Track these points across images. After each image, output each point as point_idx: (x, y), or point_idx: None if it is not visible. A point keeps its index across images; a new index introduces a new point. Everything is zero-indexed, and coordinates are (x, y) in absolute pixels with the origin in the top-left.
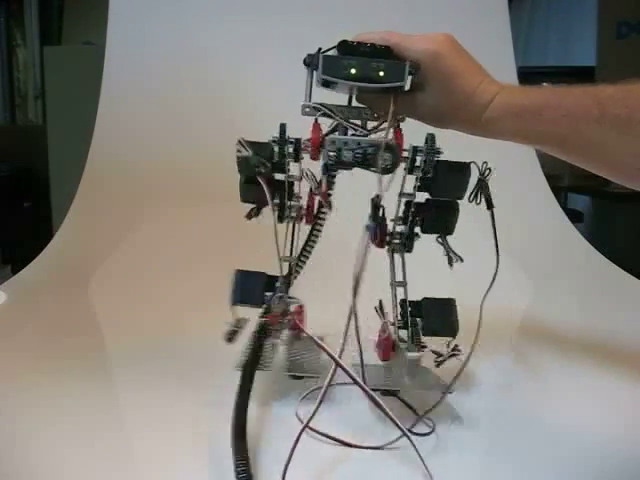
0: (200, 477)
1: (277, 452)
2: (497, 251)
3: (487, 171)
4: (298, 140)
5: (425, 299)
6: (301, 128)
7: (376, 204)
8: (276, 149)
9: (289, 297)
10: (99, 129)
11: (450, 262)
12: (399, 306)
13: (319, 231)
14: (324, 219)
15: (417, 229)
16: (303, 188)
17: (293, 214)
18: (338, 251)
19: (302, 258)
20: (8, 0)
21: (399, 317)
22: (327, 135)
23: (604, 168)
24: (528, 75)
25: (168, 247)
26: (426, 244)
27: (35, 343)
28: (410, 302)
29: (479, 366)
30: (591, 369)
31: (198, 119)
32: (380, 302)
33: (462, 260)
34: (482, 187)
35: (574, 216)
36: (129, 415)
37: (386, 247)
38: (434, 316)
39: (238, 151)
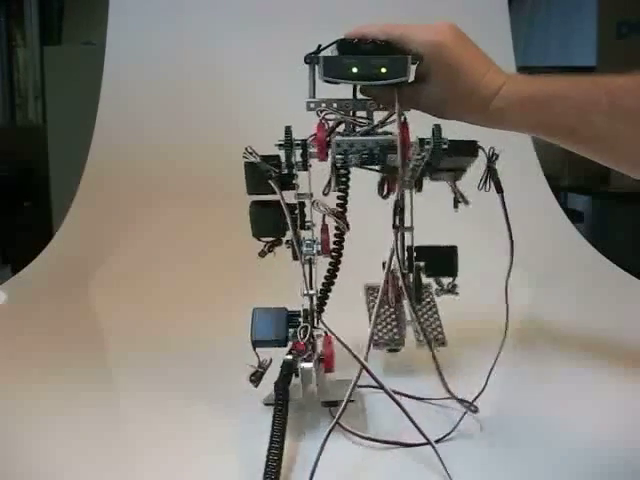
0: (201, 477)
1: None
2: (510, 235)
3: (494, 156)
4: (304, 141)
5: (427, 246)
6: (305, 128)
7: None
8: (282, 156)
9: (314, 327)
10: (99, 129)
11: (456, 204)
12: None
13: (339, 262)
14: (342, 248)
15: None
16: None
17: (308, 249)
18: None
19: (327, 292)
20: (8, 0)
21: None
22: (332, 131)
23: (613, 159)
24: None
25: (168, 247)
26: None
27: (35, 343)
28: (415, 247)
29: (479, 366)
30: (591, 369)
31: (198, 118)
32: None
33: (468, 203)
34: (490, 172)
35: (574, 216)
36: (130, 415)
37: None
38: (437, 260)
39: (245, 158)
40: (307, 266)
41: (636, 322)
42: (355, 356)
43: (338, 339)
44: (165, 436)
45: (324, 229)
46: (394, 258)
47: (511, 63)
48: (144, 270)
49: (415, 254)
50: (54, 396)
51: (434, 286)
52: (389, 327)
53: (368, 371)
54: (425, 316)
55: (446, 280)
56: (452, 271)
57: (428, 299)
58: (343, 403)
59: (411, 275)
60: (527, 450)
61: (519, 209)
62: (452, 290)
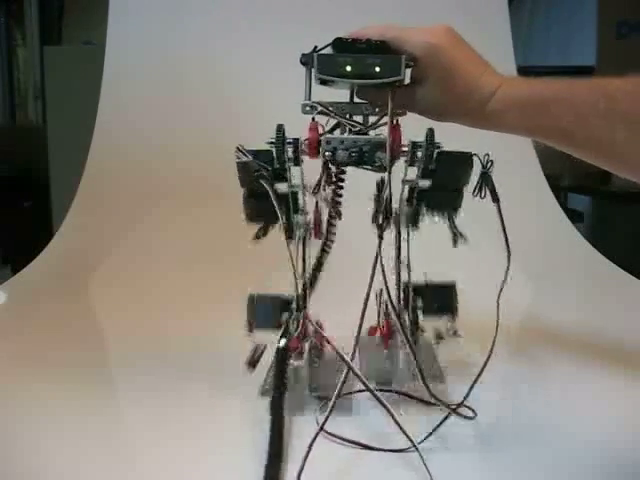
0: (201, 478)
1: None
2: (507, 244)
3: (489, 163)
4: (296, 140)
5: (426, 282)
6: (302, 126)
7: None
8: (275, 153)
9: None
10: (99, 129)
11: (455, 241)
12: (402, 290)
13: (330, 247)
14: (334, 233)
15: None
16: (305, 194)
17: (301, 229)
18: (345, 248)
19: (315, 275)
20: (8, 0)
21: (401, 299)
22: (328, 133)
23: (611, 163)
24: (528, 75)
25: (169, 247)
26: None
27: (35, 343)
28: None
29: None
30: (591, 369)
31: (198, 119)
32: (381, 290)
33: (466, 240)
34: (486, 180)
35: (574, 216)
36: (130, 415)
37: (391, 229)
38: (434, 298)
39: (237, 157)
40: (300, 251)
41: (636, 322)
42: (343, 358)
43: (328, 340)
44: (165, 436)
45: (316, 211)
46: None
47: (511, 63)
48: (144, 270)
49: (412, 292)
50: (54, 396)
51: (427, 329)
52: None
53: (355, 372)
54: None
55: (443, 323)
56: (450, 309)
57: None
58: (328, 409)
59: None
60: (525, 451)
61: (519, 209)
62: (454, 334)
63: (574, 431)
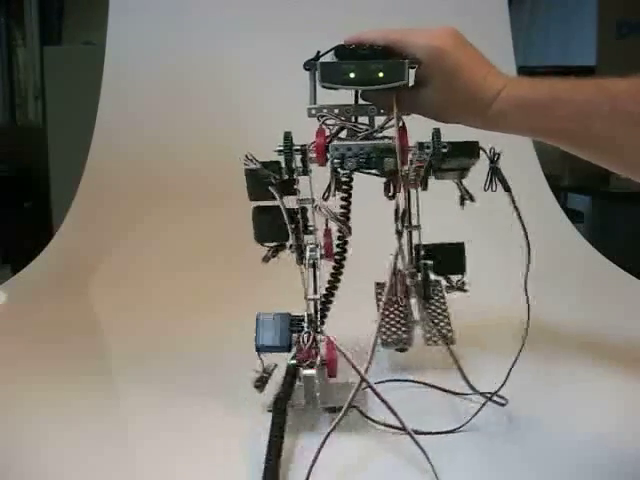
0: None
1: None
2: (525, 233)
3: (496, 156)
4: (304, 147)
5: (435, 244)
6: (309, 129)
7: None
8: (283, 162)
9: (317, 332)
10: (99, 129)
11: (462, 202)
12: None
13: (342, 267)
14: (345, 252)
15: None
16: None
17: (312, 253)
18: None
19: (330, 297)
20: (8, 0)
21: (413, 261)
22: (333, 137)
23: (615, 163)
24: (528, 75)
25: (169, 247)
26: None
27: (35, 343)
28: (422, 246)
29: (480, 365)
30: (590, 369)
31: (199, 118)
32: (396, 255)
33: (474, 200)
34: (495, 172)
35: (574, 216)
36: (130, 416)
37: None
38: (445, 257)
39: (245, 164)
40: (311, 270)
41: (636, 322)
42: (354, 366)
43: (339, 349)
44: (166, 436)
45: (326, 233)
46: (399, 261)
47: (511, 63)
48: (144, 270)
49: (423, 252)
50: (54, 396)
51: (444, 283)
52: (397, 326)
53: (367, 383)
54: (434, 314)
55: (455, 277)
56: (460, 268)
57: (437, 297)
58: (343, 409)
59: (419, 273)
60: (525, 449)
61: (519, 209)
62: (461, 287)
63: (574, 430)
